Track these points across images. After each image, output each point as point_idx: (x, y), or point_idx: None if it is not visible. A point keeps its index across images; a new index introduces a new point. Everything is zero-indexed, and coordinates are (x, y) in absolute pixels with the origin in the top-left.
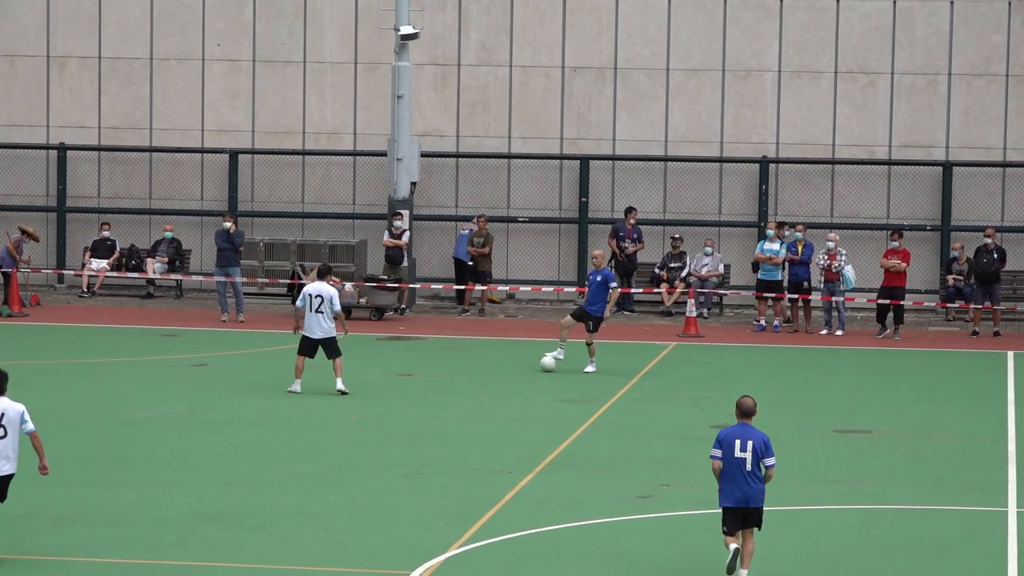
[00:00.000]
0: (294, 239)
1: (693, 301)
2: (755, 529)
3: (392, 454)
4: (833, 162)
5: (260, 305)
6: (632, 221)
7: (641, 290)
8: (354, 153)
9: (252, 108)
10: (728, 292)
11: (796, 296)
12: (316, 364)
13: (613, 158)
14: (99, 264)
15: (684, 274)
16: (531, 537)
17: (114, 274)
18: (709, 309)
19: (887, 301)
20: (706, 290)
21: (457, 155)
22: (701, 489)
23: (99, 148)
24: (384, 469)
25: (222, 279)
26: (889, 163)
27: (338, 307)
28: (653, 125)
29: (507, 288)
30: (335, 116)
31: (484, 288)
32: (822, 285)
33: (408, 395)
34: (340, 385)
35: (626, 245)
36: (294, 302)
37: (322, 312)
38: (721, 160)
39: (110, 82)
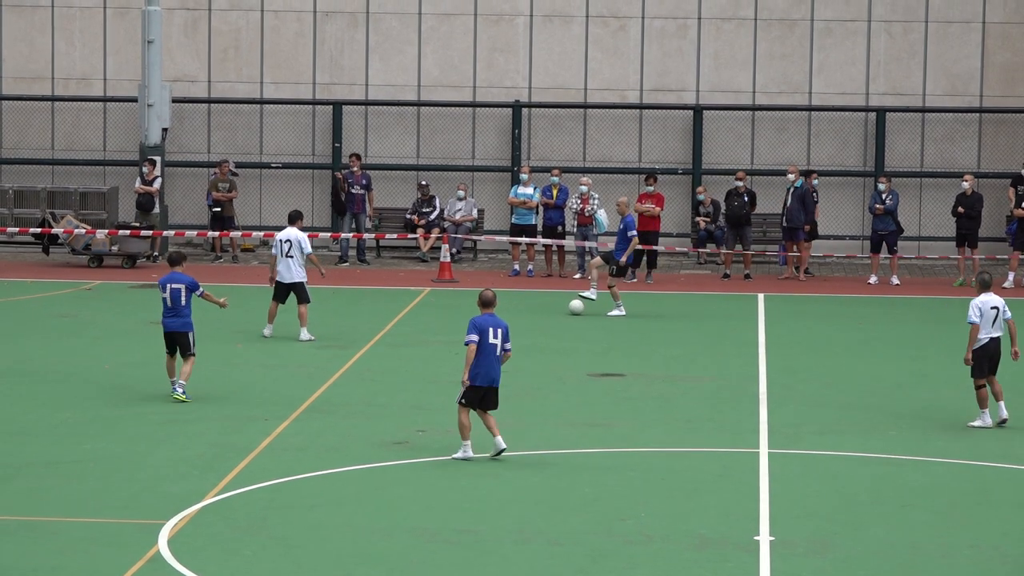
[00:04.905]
0: (44, 186)
1: (447, 246)
2: None
3: (146, 402)
4: (585, 106)
5: (10, 254)
6: (356, 168)
7: (396, 236)
8: (104, 99)
9: (0, 53)
10: (482, 237)
11: (550, 241)
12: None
13: (366, 103)
14: None
15: (433, 217)
16: (288, 484)
17: None
18: (459, 252)
19: (641, 247)
20: (459, 235)
21: (209, 101)
22: (456, 435)
23: None
24: (138, 417)
25: None
26: (640, 107)
27: (308, 249)
28: (406, 70)
29: (261, 235)
30: (84, 61)
31: (237, 234)
32: (575, 229)
33: (161, 343)
34: (304, 335)
35: (361, 192)
36: (45, 251)
37: (292, 256)
38: (474, 105)
39: None
